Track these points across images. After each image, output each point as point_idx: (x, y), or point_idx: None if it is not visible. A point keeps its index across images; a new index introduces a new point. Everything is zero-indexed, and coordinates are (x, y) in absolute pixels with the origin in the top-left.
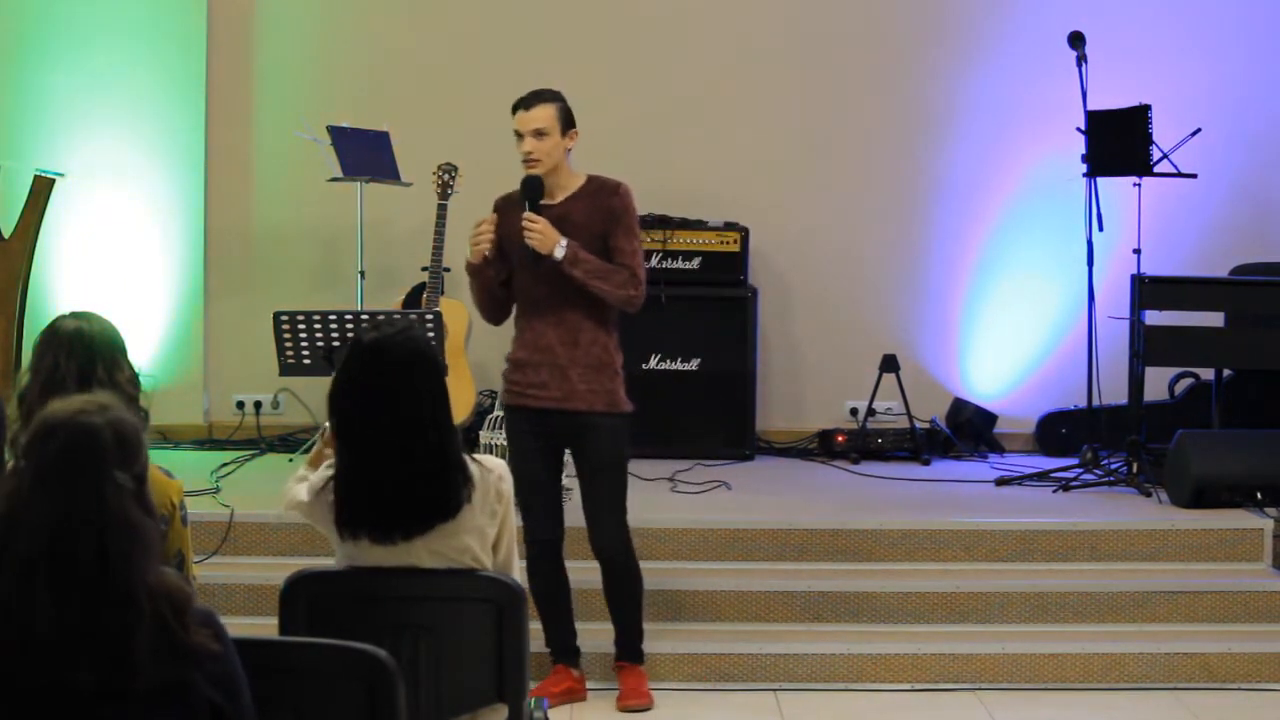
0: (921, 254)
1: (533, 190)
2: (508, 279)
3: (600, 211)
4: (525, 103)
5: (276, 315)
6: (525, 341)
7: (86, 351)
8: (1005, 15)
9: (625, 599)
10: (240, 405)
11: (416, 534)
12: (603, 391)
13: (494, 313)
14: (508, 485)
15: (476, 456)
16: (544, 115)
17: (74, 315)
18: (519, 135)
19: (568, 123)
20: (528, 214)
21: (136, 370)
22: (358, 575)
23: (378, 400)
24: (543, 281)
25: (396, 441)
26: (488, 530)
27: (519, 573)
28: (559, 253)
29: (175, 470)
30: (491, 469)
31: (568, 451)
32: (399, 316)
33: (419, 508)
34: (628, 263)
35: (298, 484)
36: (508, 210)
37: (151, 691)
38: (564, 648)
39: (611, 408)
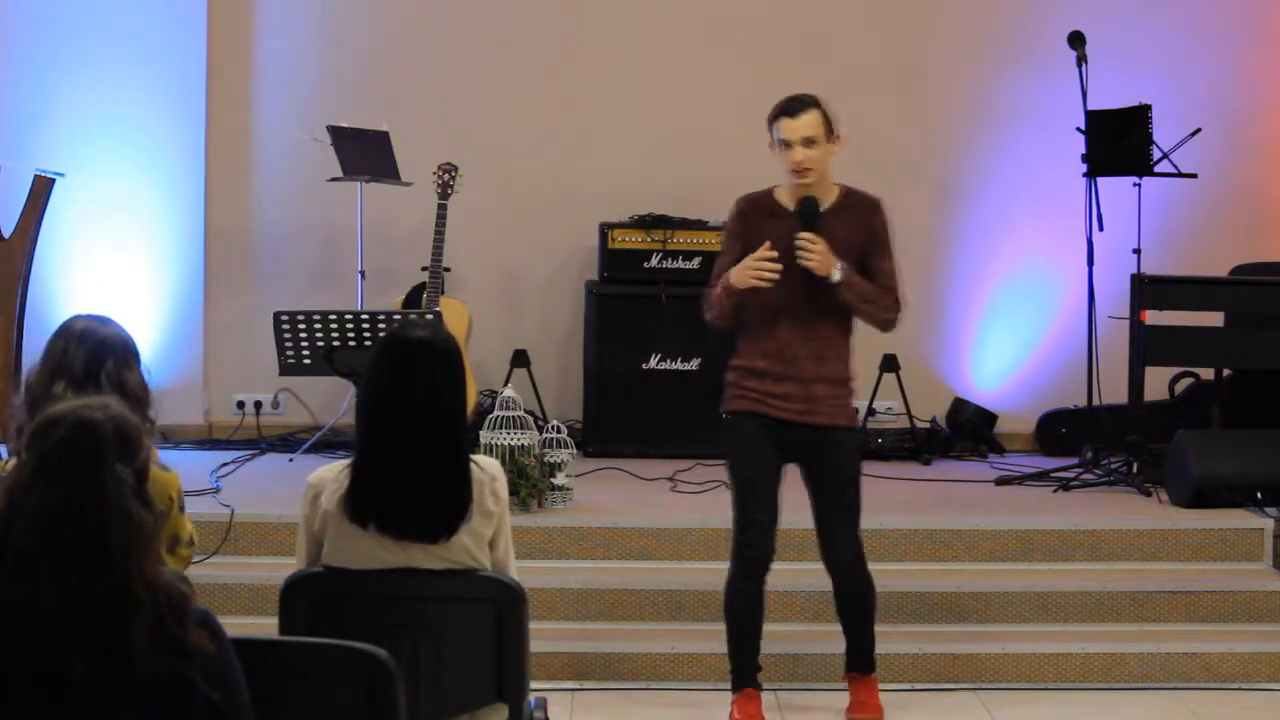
0: (921, 253)
1: (811, 214)
2: None
3: (862, 230)
4: (790, 110)
5: (276, 315)
6: (767, 350)
7: (99, 343)
8: (1005, 15)
9: (861, 611)
10: (240, 405)
11: (417, 540)
12: (843, 406)
13: (731, 322)
14: (502, 486)
15: (474, 458)
16: (812, 121)
17: (92, 316)
18: (785, 144)
19: (831, 127)
20: (807, 234)
21: (147, 380)
22: (358, 575)
23: (417, 395)
24: (800, 296)
25: (424, 436)
26: (483, 531)
27: (515, 572)
28: (836, 275)
29: (174, 469)
30: (486, 469)
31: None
32: (400, 316)
33: (425, 520)
34: (890, 284)
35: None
36: (754, 215)
37: (149, 689)
38: (754, 668)
39: (850, 422)
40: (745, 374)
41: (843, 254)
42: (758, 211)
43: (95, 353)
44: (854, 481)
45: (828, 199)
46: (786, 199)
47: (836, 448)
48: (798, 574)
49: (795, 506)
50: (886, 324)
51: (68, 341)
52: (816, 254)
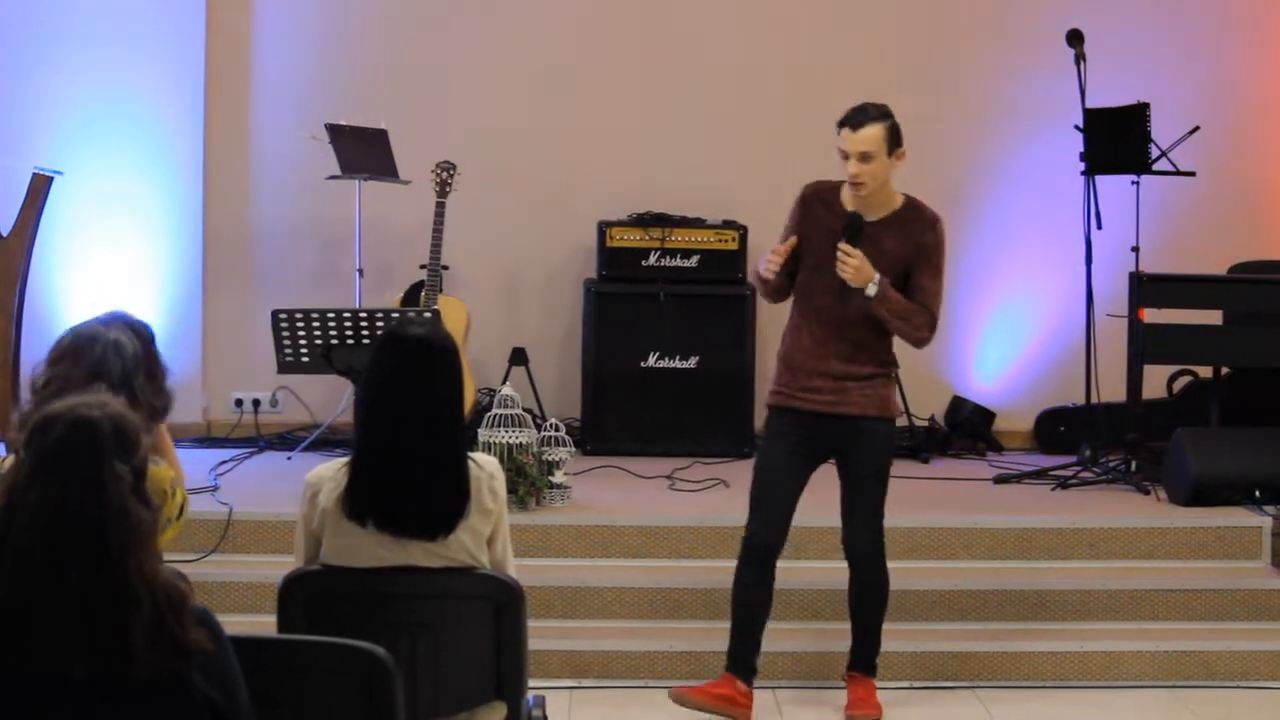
0: None
1: (854, 229)
2: (794, 268)
3: (911, 245)
4: (853, 122)
5: (275, 313)
6: (803, 345)
7: (134, 354)
8: (1004, 13)
9: (869, 606)
10: (239, 403)
11: (415, 537)
12: (876, 396)
13: (775, 298)
14: (501, 484)
15: (472, 455)
16: (872, 137)
17: (122, 320)
18: (844, 155)
19: (895, 142)
20: (845, 246)
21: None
22: (356, 573)
23: (414, 393)
24: (836, 298)
25: (422, 434)
26: (481, 529)
27: (514, 570)
28: (871, 290)
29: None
30: (485, 467)
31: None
32: (398, 314)
33: (423, 516)
34: (929, 304)
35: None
36: (813, 204)
37: (148, 688)
38: (742, 661)
39: (883, 412)
40: (783, 368)
41: (887, 265)
42: (817, 200)
43: (131, 363)
44: (879, 474)
45: (886, 209)
46: (849, 198)
47: (865, 438)
48: (796, 572)
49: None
50: (918, 342)
51: (105, 348)
52: (852, 266)
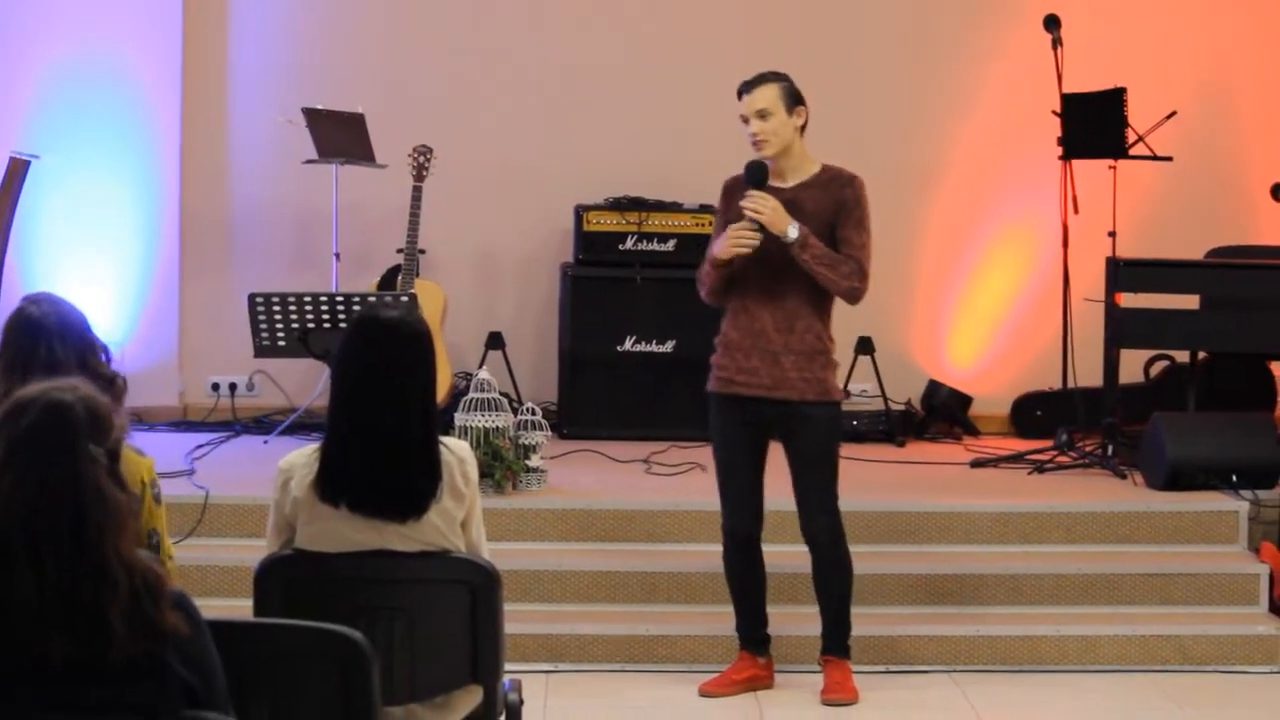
0: (897, 236)
1: (757, 175)
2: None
3: (831, 201)
4: (747, 86)
5: (251, 297)
6: (739, 324)
7: (81, 338)
8: None
9: (833, 587)
10: (215, 387)
11: (388, 519)
12: (814, 380)
13: (720, 299)
14: (472, 468)
15: (444, 440)
16: (766, 95)
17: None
18: (744, 120)
19: (793, 100)
20: (756, 192)
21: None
22: (332, 558)
23: (385, 374)
24: (764, 265)
25: (394, 416)
26: (454, 513)
27: (488, 553)
28: (792, 233)
29: (150, 451)
30: (456, 452)
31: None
32: (375, 298)
33: (395, 497)
34: (855, 255)
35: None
36: (734, 193)
37: (124, 670)
38: (751, 636)
39: (823, 396)
40: (722, 348)
41: (810, 224)
42: (735, 188)
43: (82, 348)
44: (824, 458)
45: (803, 174)
46: (771, 178)
47: (805, 423)
48: (772, 556)
49: (768, 490)
50: (849, 293)
51: (50, 341)
52: (767, 209)
